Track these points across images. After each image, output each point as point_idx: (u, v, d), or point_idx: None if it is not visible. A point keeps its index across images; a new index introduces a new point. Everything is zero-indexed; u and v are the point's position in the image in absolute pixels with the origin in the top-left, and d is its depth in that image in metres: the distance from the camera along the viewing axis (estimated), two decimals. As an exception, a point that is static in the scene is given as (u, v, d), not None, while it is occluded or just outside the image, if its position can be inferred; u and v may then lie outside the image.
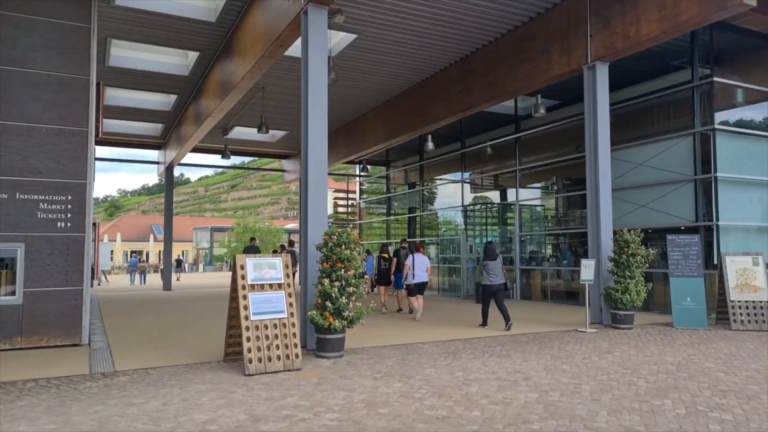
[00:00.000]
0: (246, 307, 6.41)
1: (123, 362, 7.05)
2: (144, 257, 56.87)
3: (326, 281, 7.11)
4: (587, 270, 9.60)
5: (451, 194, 20.13)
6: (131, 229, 66.17)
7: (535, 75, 11.41)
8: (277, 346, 6.41)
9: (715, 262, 11.03)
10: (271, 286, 6.66)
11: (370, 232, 25.25)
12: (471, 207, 18.13)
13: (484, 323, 10.06)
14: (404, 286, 11.72)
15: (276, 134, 21.81)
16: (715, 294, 10.66)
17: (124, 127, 20.39)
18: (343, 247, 7.17)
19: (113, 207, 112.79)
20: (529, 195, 16.92)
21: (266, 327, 6.43)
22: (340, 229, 7.40)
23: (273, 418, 4.69)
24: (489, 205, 17.62)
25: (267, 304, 6.53)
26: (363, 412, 4.85)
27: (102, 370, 6.66)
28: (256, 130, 20.84)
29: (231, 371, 6.42)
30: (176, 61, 14.34)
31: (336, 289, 7.01)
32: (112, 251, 56.60)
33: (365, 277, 7.07)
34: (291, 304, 6.71)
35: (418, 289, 11.37)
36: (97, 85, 10.61)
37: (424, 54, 13.38)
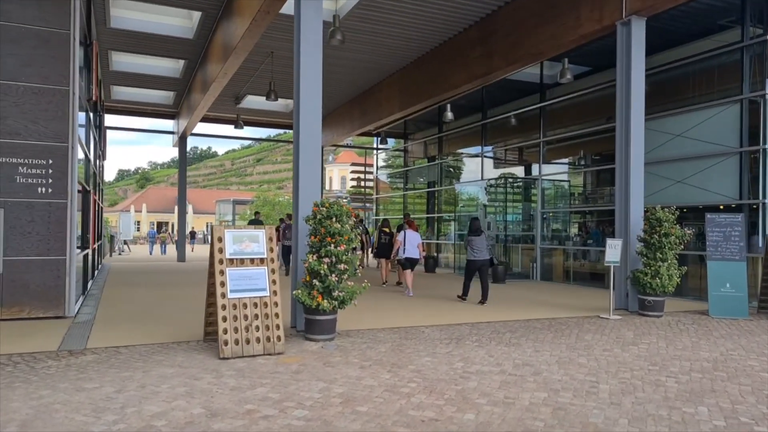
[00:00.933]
0: (223, 284, 5.74)
1: (98, 338, 6.52)
2: (169, 228, 57.41)
3: (313, 257, 6.40)
4: (613, 251, 8.67)
5: (471, 168, 19.17)
6: (157, 200, 66.88)
7: (563, 34, 10.33)
8: (257, 328, 5.75)
9: (760, 245, 9.97)
10: (252, 261, 5.98)
11: (392, 207, 24.49)
12: (491, 182, 17.15)
13: (464, 296, 10.20)
14: (396, 261, 11.85)
15: (289, 103, 21.05)
16: (757, 280, 9.63)
17: (136, 95, 19.88)
18: (334, 219, 6.42)
19: (144, 179, 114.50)
20: (554, 170, 15.86)
21: (245, 306, 5.77)
22: (331, 200, 6.64)
23: (232, 414, 4.03)
24: (510, 180, 16.63)
25: (247, 281, 5.86)
26: (337, 409, 4.16)
27: (71, 347, 6.12)
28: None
29: (206, 353, 5.81)
30: (180, 23, 13.60)
31: (325, 266, 6.30)
32: (138, 222, 57.22)
33: (357, 253, 6.16)
34: (274, 281, 6.02)
35: (409, 264, 11.39)
36: (90, 44, 9.97)
37: (441, 14, 12.36)
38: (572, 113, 15.01)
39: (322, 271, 6.29)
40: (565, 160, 15.87)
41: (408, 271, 11.33)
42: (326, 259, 6.35)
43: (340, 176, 59.85)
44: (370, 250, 16.06)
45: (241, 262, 5.91)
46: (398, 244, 11.52)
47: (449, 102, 18.26)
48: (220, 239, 5.88)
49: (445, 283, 13.90)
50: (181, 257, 21.44)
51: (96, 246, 13.33)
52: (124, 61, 16.27)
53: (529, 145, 16.35)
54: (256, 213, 22.04)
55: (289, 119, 23.07)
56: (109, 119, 21.94)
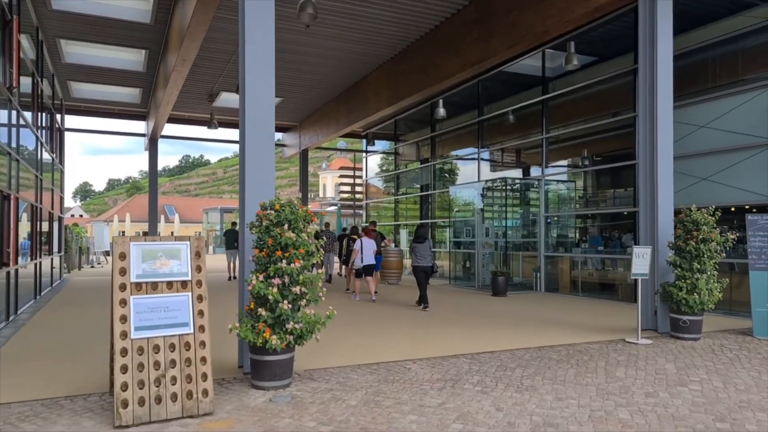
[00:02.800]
0: (124, 319, 4.13)
1: (-25, 389, 4.88)
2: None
3: (258, 278, 4.81)
4: (640, 261, 7.12)
5: (466, 171, 17.64)
6: (143, 209, 64.84)
7: (572, 7, 8.82)
8: (174, 379, 4.14)
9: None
10: (169, 285, 4.37)
11: (384, 213, 22.90)
12: (488, 184, 15.63)
13: (422, 305, 10.15)
14: (353, 270, 12.11)
15: (271, 102, 19.51)
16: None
17: (98, 92, 18.24)
18: (286, 226, 4.83)
19: (134, 188, 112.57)
20: (558, 171, 14.35)
21: (157, 349, 4.16)
22: (282, 200, 5.05)
23: None
24: (509, 182, 15.09)
25: (160, 314, 4.25)
26: None
27: (-70, 404, 4.49)
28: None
29: (102, 416, 4.18)
30: (136, 5, 12.02)
31: (274, 290, 4.70)
32: (122, 232, 55.44)
33: (319, 271, 4.51)
34: (201, 313, 4.42)
35: (366, 271, 11.55)
36: (9, 20, 8.39)
37: (431, -9, 10.85)
38: (578, 108, 13.50)
39: (270, 297, 4.70)
40: (569, 161, 14.36)
41: (370, 278, 11.56)
42: (276, 280, 4.75)
43: (333, 183, 58.27)
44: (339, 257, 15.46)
45: (154, 287, 4.31)
46: (355, 254, 11.63)
47: (442, 98, 16.81)
48: (122, 256, 4.27)
49: (439, 296, 12.30)
50: (153, 269, 19.71)
51: (34, 262, 11.64)
52: (77, 52, 14.66)
53: (530, 144, 14.84)
54: (233, 223, 20.32)
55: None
56: (74, 120, 20.32)
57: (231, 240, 17.04)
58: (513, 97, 15.22)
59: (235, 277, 16.83)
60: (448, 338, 7.23)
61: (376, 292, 11.92)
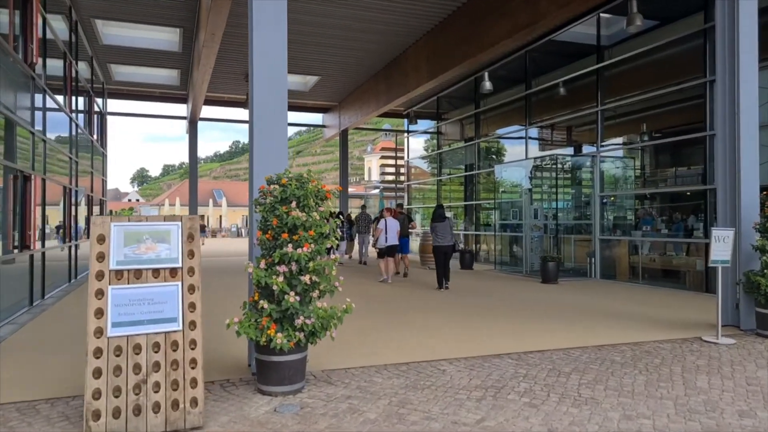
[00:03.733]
0: (100, 313, 3.51)
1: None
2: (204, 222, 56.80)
3: (261, 265, 4.11)
4: (721, 246, 6.01)
5: (513, 150, 16.51)
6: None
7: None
8: (157, 386, 3.50)
9: None
10: (155, 273, 3.71)
11: (427, 196, 22.00)
12: (537, 162, 14.50)
13: (440, 286, 10.23)
14: (377, 249, 11.94)
15: (309, 80, 18.86)
16: None
17: (141, 75, 18.05)
18: (294, 204, 4.09)
19: (187, 173, 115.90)
20: (614, 148, 13.06)
21: (138, 349, 3.52)
22: (291, 174, 4.30)
23: None
24: (560, 159, 13.89)
25: (144, 307, 3.60)
26: None
27: None
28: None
29: (76, 428, 3.59)
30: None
31: (280, 280, 3.99)
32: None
33: (335, 255, 3.71)
34: (192, 306, 3.74)
35: (389, 251, 11.53)
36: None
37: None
38: (637, 78, 12.15)
39: (275, 287, 3.98)
40: (626, 137, 13.03)
41: (391, 259, 11.57)
42: (281, 268, 4.03)
43: (378, 166, 57.58)
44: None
45: (137, 275, 3.66)
46: (379, 233, 11.59)
47: (487, 71, 15.69)
48: (101, 239, 3.64)
49: (483, 283, 11.39)
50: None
51: (69, 245, 11.46)
52: (114, 33, 14.38)
53: (583, 120, 13.57)
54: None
55: (312, 99, 20.92)
56: (118, 104, 20.32)
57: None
58: (564, 68, 13.95)
59: None
60: (490, 333, 6.37)
61: (405, 274, 12.27)
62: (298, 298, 4.05)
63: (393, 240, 11.43)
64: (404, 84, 15.61)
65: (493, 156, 17.54)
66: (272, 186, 4.19)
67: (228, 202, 59.29)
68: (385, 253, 11.50)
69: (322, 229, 4.17)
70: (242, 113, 22.80)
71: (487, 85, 14.63)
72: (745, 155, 6.58)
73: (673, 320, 7.14)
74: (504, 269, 14.52)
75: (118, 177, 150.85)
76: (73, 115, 12.54)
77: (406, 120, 22.31)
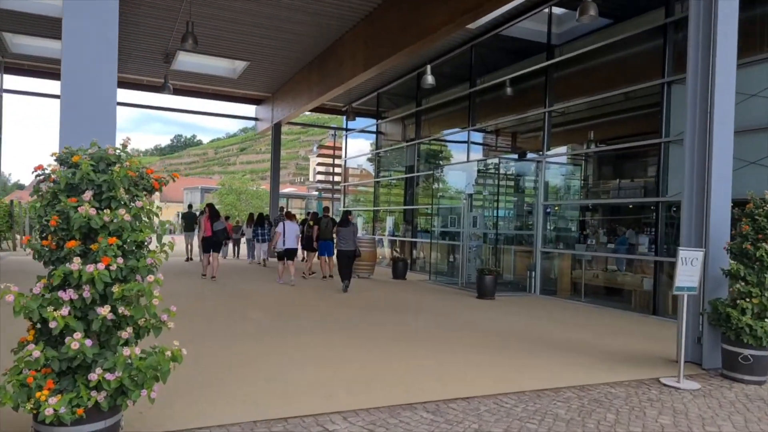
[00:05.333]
0: None
1: None
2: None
3: (38, 292, 2.63)
4: (688, 270, 4.96)
5: (455, 152, 15.48)
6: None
7: None
8: None
9: None
10: None
11: (365, 198, 20.67)
12: (480, 167, 13.49)
13: (345, 290, 10.46)
14: (275, 252, 12.09)
15: (237, 66, 17.14)
16: None
17: (40, 49, 15.75)
18: (88, 195, 2.64)
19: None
20: (561, 153, 12.20)
21: None
22: (92, 149, 2.83)
23: None
24: (504, 164, 12.90)
25: None
26: None
27: None
28: (209, 58, 16.49)
29: None
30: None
31: (63, 313, 2.53)
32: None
33: (158, 276, 2.17)
34: None
35: (287, 255, 11.53)
36: None
37: None
38: (588, 79, 11.33)
39: (53, 324, 2.52)
40: (573, 144, 12.20)
41: (291, 262, 11.52)
42: (66, 294, 2.56)
43: (315, 165, 56.02)
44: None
45: None
46: (278, 236, 11.57)
47: (430, 65, 14.56)
48: None
49: (412, 296, 10.16)
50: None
51: None
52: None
53: (530, 124, 12.66)
54: (190, 206, 18.42)
55: (242, 88, 19.18)
56: (20, 82, 17.86)
57: (188, 222, 17.31)
58: (511, 67, 13.00)
59: (190, 258, 17.02)
60: (406, 369, 5.07)
61: (314, 274, 12.76)
62: (89, 341, 2.58)
63: (291, 243, 11.49)
64: (339, 74, 14.24)
65: (434, 159, 16.45)
66: (53, 167, 2.71)
67: (162, 197, 56.15)
68: (283, 255, 11.53)
69: (137, 235, 2.72)
70: (167, 99, 20.81)
71: (429, 79, 13.45)
72: (717, 165, 5.58)
73: (623, 352, 6.09)
74: (439, 281, 13.38)
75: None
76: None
77: (345, 118, 20.94)
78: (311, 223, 13.33)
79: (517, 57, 12.92)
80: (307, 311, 8.21)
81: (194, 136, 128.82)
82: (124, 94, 17.99)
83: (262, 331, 6.55)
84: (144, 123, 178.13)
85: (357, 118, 20.17)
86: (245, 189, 39.14)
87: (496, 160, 12.81)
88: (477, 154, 14.39)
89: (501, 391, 4.50)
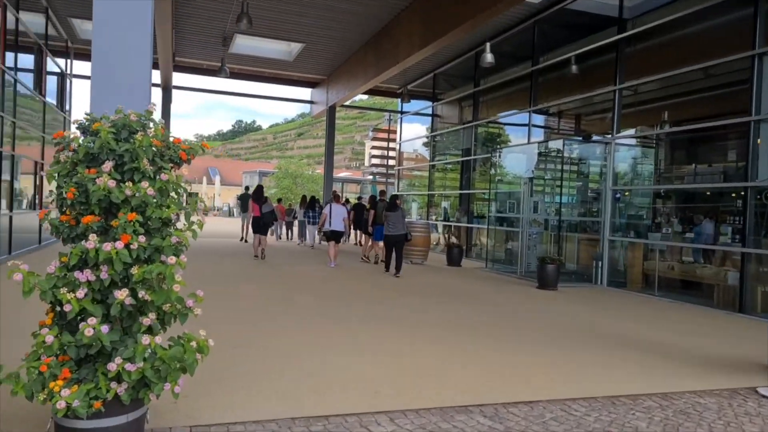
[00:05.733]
0: None
1: None
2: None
3: (54, 272, 2.38)
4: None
5: (515, 134, 14.73)
6: (187, 171, 64.60)
7: None
8: None
9: None
10: None
11: (420, 183, 20.19)
12: (541, 149, 12.74)
13: (386, 270, 10.69)
14: (321, 233, 12.37)
15: (293, 48, 16.97)
16: None
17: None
18: (108, 165, 2.36)
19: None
20: (634, 135, 11.28)
21: None
22: (116, 116, 2.55)
23: None
24: (568, 145, 12.08)
25: None
26: None
27: None
28: (265, 41, 16.40)
29: None
30: None
31: (80, 295, 2.27)
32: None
33: (182, 259, 1.84)
34: None
35: (334, 236, 11.61)
36: None
37: None
38: (665, 53, 10.34)
39: (68, 307, 2.27)
40: (644, 126, 11.23)
41: (332, 243, 11.59)
42: (83, 275, 2.30)
43: (370, 149, 55.80)
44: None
45: None
46: (324, 217, 11.72)
47: (489, 43, 13.83)
48: None
49: (468, 285, 9.67)
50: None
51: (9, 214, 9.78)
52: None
53: (597, 104, 11.78)
54: (246, 188, 18.63)
55: (298, 71, 19.05)
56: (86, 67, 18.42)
57: (244, 204, 17.44)
58: (577, 43, 12.11)
59: (246, 240, 16.94)
60: (461, 363, 4.65)
61: (376, 261, 12.21)
62: (105, 327, 2.32)
63: (336, 225, 11.55)
64: (395, 54, 13.77)
65: (492, 141, 15.75)
66: (73, 134, 2.44)
67: (222, 181, 57.65)
68: (329, 237, 11.60)
69: (162, 211, 2.42)
70: (227, 84, 21.00)
71: (488, 57, 12.74)
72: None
73: (709, 355, 5.41)
74: (496, 269, 12.79)
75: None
76: (15, 73, 10.86)
77: (400, 100, 20.46)
78: (368, 207, 13.24)
79: (585, 32, 12.01)
80: (357, 298, 7.91)
81: (254, 122, 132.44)
82: (184, 78, 18.30)
83: (307, 317, 6.29)
84: (208, 109, 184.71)
85: (412, 101, 19.64)
86: (301, 173, 39.44)
87: (559, 143, 12.01)
88: (538, 136, 13.62)
89: (569, 395, 4.01)
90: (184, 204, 2.58)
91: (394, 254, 10.50)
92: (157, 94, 18.72)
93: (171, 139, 2.59)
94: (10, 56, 10.53)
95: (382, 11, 13.19)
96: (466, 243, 15.52)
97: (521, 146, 13.38)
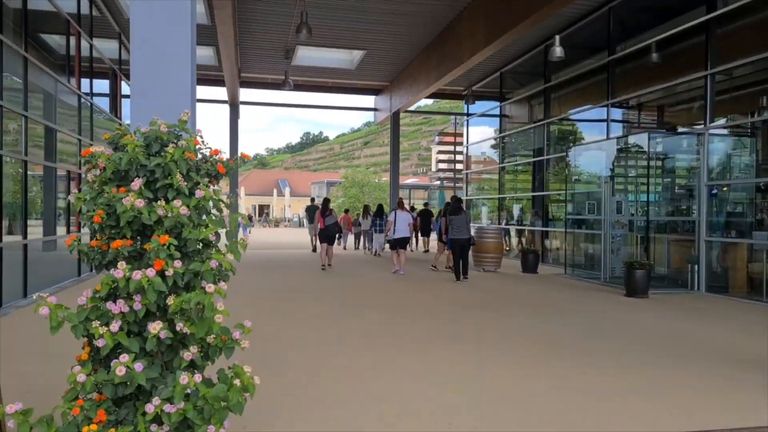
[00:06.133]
0: None
1: None
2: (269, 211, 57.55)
3: (86, 302, 2.13)
4: None
5: (591, 131, 13.80)
6: (258, 184, 66.86)
7: None
8: None
9: None
10: None
11: (489, 186, 19.49)
12: (622, 144, 11.80)
13: (457, 278, 10.39)
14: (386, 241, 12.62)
15: (354, 56, 16.88)
16: None
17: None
18: (137, 183, 2.09)
19: (261, 164, 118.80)
20: (730, 124, 10.17)
21: None
22: (148, 128, 2.28)
23: None
24: (653, 139, 11.06)
25: None
26: None
27: None
28: (326, 50, 16.41)
29: None
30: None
31: (114, 329, 2.01)
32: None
33: (220, 286, 1.52)
34: None
35: (399, 244, 11.54)
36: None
37: None
38: (762, 32, 9.22)
39: (102, 342, 2.02)
40: (746, 111, 10.08)
41: (402, 251, 11.56)
42: (117, 306, 2.04)
43: (436, 154, 55.30)
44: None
45: None
46: (390, 225, 11.78)
47: (559, 36, 13.04)
48: None
49: (547, 293, 8.98)
50: (233, 247, 18.23)
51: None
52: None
53: (680, 92, 10.74)
54: (312, 199, 18.81)
55: (360, 78, 18.95)
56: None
57: (311, 215, 18.11)
58: (659, 27, 11.11)
59: (315, 250, 17.01)
60: (543, 390, 4.10)
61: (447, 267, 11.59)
62: (138, 365, 2.04)
63: (401, 232, 11.54)
64: (458, 54, 13.29)
65: (566, 139, 14.86)
66: (100, 150, 2.20)
67: (292, 192, 59.08)
68: (395, 244, 11.56)
69: (199, 232, 2.13)
70: (286, 96, 21.31)
71: (558, 51, 11.95)
72: None
73: None
74: (576, 275, 11.94)
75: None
76: (91, 98, 11.41)
77: (465, 102, 19.87)
78: (439, 213, 13.41)
79: (667, 15, 11.02)
80: (427, 312, 7.48)
81: (321, 133, 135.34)
82: (251, 94, 18.62)
83: (375, 334, 5.94)
84: (278, 123, 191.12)
85: (478, 102, 19.03)
86: (367, 181, 39.54)
87: (642, 137, 11.03)
88: (616, 132, 12.65)
89: (686, 429, 3.38)
90: (226, 221, 2.29)
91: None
92: (225, 111, 19.22)
93: (207, 151, 2.31)
94: (85, 82, 11.01)
95: (444, 11, 12.77)
96: (542, 248, 14.69)
97: (599, 142, 12.47)
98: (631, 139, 11.65)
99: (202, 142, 2.31)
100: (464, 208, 10.89)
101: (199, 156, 2.27)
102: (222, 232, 2.24)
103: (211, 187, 2.27)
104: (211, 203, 2.21)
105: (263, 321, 6.12)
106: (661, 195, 11.49)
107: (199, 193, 2.18)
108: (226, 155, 2.35)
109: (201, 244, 2.20)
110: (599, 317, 7.14)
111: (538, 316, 7.09)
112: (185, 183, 2.16)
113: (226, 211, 2.36)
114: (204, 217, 2.21)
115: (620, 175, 11.75)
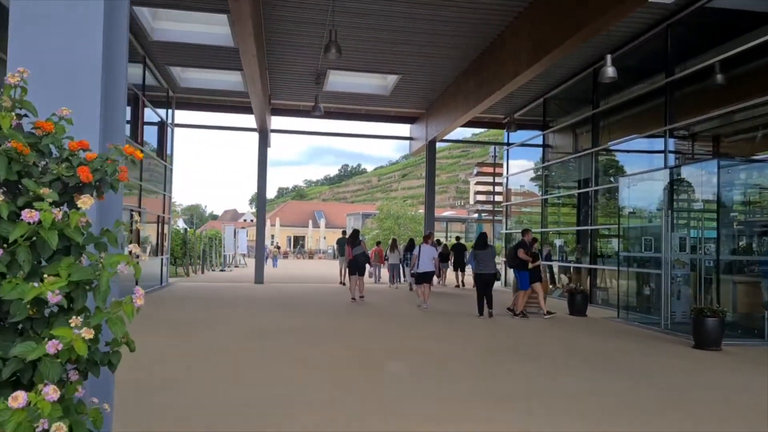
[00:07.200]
0: None
1: None
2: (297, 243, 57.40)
3: None
4: None
5: (644, 160, 12.62)
6: (294, 215, 67.03)
7: None
8: None
9: None
10: None
11: (532, 219, 18.33)
12: (679, 170, 10.58)
13: (480, 314, 10.28)
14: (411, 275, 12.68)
15: (389, 81, 16.22)
16: None
17: (206, 81, 16.44)
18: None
19: (299, 196, 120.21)
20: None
21: None
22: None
23: None
24: (724, 168, 9.81)
25: None
26: None
27: None
28: (359, 75, 15.85)
29: None
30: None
31: None
32: (272, 236, 57.16)
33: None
34: None
35: (424, 278, 11.49)
36: None
37: None
38: None
39: None
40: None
41: (427, 284, 11.52)
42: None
43: (474, 185, 54.20)
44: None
45: None
46: (414, 259, 11.86)
47: (610, 56, 12.05)
48: None
49: (599, 343, 7.77)
50: (259, 278, 17.55)
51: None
52: (164, 28, 12.82)
53: (754, 119, 9.54)
54: (343, 232, 18.22)
55: (395, 106, 18.29)
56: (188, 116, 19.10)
57: (341, 248, 17.33)
58: (723, 46, 10.00)
59: (343, 283, 16.67)
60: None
61: (517, 314, 10.53)
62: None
63: (425, 267, 11.46)
64: (498, 77, 12.41)
65: (616, 169, 13.66)
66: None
67: (327, 224, 58.72)
68: (420, 279, 11.54)
69: (26, 290, 1.23)
70: (320, 124, 20.81)
71: (610, 71, 10.86)
72: None
73: None
74: (632, 319, 10.60)
75: (237, 198, 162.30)
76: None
77: (505, 129, 18.93)
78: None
79: (734, 32, 9.91)
80: (462, 364, 6.41)
81: (359, 165, 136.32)
82: (282, 122, 18.21)
83: (401, 392, 4.93)
84: (316, 156, 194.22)
85: (519, 131, 18.05)
86: (403, 213, 38.69)
87: (710, 165, 9.80)
88: (673, 160, 11.43)
89: None
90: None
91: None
92: (253, 138, 18.84)
93: (65, 141, 1.41)
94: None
95: (484, 30, 11.98)
96: (590, 287, 13.37)
97: (653, 171, 11.26)
98: (694, 168, 10.42)
99: (61, 127, 1.41)
100: (490, 243, 10.87)
101: (52, 150, 1.39)
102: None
103: (63, 207, 1.36)
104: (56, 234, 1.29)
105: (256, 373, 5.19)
106: (728, 231, 10.15)
107: (27, 216, 1.27)
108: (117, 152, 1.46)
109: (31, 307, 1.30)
110: (664, 375, 5.91)
111: (594, 372, 5.93)
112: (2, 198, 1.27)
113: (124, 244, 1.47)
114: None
115: (683, 209, 10.50)
